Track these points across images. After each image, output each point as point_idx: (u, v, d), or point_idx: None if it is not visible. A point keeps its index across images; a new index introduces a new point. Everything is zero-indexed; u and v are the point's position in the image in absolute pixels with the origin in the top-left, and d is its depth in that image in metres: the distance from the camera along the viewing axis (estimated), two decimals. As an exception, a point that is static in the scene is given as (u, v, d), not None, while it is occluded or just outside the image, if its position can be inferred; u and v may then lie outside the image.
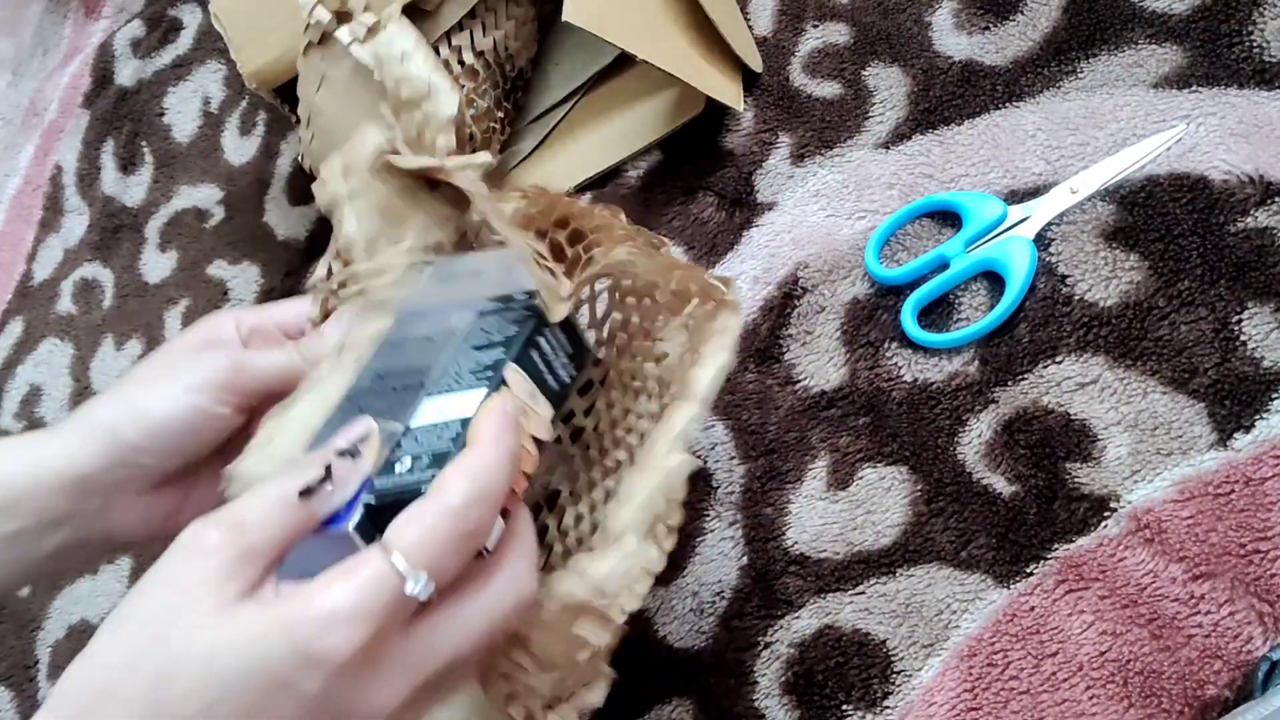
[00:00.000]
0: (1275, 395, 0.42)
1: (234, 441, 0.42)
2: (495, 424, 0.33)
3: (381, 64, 0.54)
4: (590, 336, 0.44)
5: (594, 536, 0.39)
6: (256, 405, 0.41)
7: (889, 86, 0.57)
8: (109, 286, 0.78)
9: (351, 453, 0.33)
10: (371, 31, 0.55)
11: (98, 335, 0.76)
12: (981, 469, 0.46)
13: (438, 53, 0.59)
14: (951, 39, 0.56)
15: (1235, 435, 0.42)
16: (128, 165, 0.82)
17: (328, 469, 0.32)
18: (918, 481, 0.47)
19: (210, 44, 0.83)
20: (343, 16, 0.55)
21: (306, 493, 0.31)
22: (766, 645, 0.46)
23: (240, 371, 0.41)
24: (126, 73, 0.87)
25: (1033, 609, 0.42)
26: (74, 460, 0.40)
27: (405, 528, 0.30)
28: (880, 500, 0.47)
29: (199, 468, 0.42)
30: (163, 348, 0.44)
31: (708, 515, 0.50)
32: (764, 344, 0.53)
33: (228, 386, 0.41)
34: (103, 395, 0.42)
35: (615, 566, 0.34)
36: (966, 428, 0.47)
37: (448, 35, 0.60)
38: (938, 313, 0.50)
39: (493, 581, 0.32)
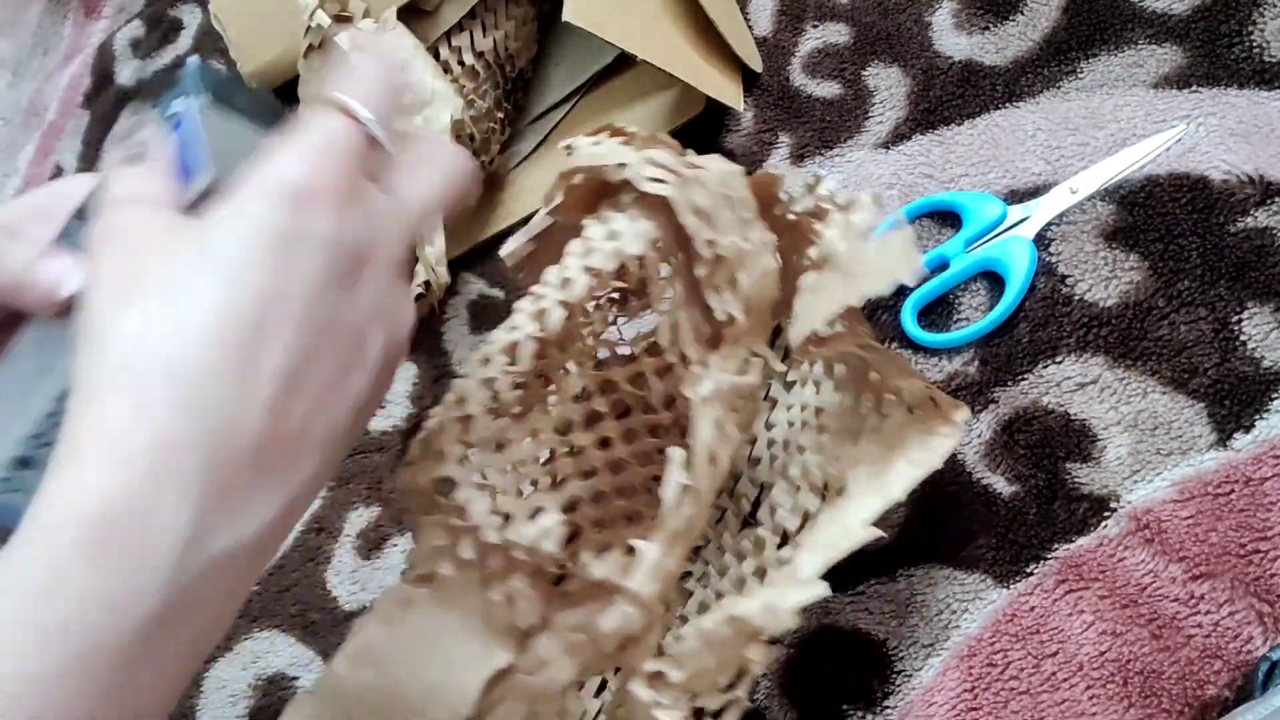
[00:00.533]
0: (1275, 395, 0.42)
1: None
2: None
3: None
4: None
5: (770, 573, 0.41)
6: None
7: (889, 86, 0.57)
8: (109, 286, 0.78)
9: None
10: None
11: (97, 335, 0.76)
12: (981, 469, 0.46)
13: (437, 54, 0.59)
14: (951, 39, 0.56)
15: (1235, 435, 0.42)
16: (128, 165, 0.82)
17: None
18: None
19: (210, 44, 0.83)
20: (342, 20, 0.55)
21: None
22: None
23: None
24: (126, 73, 0.87)
25: (1033, 609, 0.42)
26: None
27: (355, 81, 0.30)
28: (880, 500, 0.47)
29: None
30: None
31: (708, 515, 0.50)
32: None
33: None
34: None
35: (798, 599, 0.36)
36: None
37: (448, 36, 0.60)
38: (937, 313, 0.50)
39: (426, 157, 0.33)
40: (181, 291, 0.26)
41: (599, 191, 0.40)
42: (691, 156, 0.39)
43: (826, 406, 0.46)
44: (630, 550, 0.37)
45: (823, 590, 0.37)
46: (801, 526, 0.44)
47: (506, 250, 0.40)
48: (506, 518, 0.37)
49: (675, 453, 0.39)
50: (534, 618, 0.37)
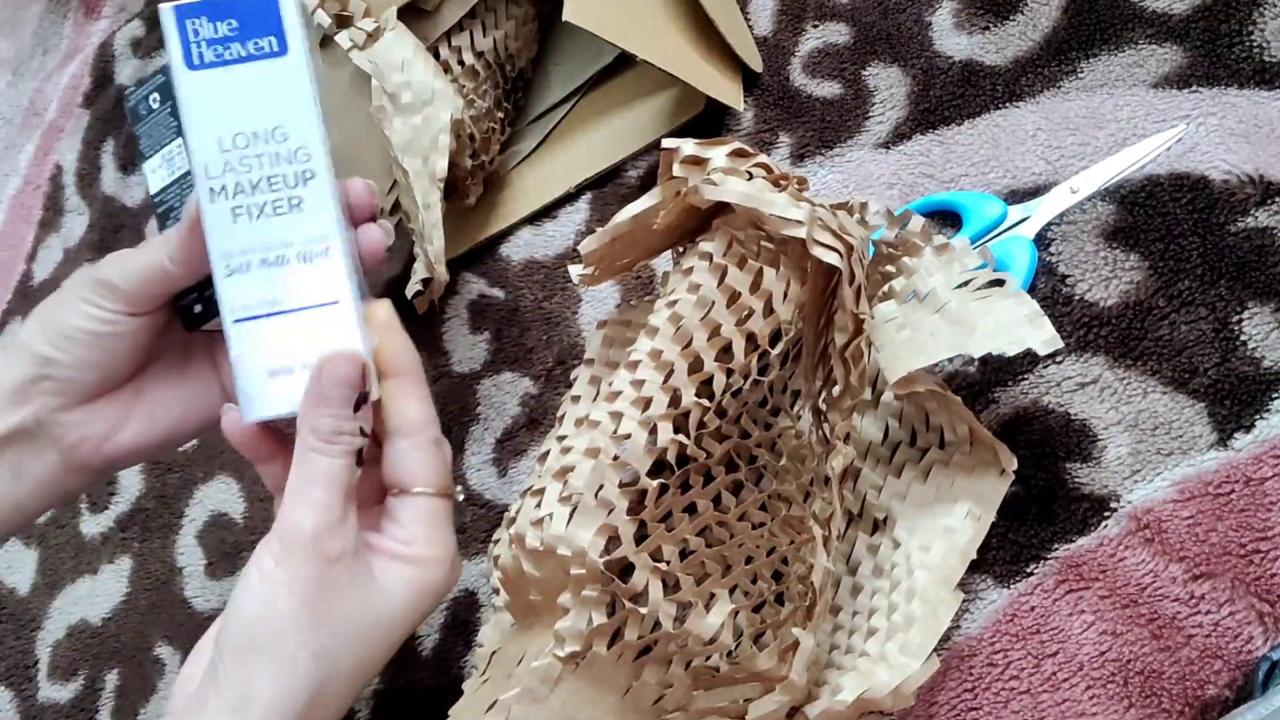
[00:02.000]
0: (1275, 395, 0.42)
1: (185, 355, 0.46)
2: (401, 348, 0.40)
3: (381, 72, 0.55)
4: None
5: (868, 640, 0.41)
6: (149, 304, 0.43)
7: (889, 86, 0.57)
8: (109, 286, 0.78)
9: None
10: (371, 37, 0.55)
11: (97, 335, 0.76)
12: (981, 469, 0.46)
13: (437, 54, 0.59)
14: (951, 39, 0.56)
15: (1235, 435, 0.42)
16: (128, 165, 0.82)
17: None
18: (918, 481, 0.47)
19: (210, 44, 0.83)
20: (343, 20, 0.55)
21: None
22: (766, 645, 0.46)
23: (114, 274, 0.42)
24: (126, 73, 0.87)
25: (1033, 609, 0.42)
26: (4, 376, 0.43)
27: (420, 470, 0.39)
28: (880, 500, 0.47)
29: (139, 381, 0.45)
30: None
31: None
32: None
33: (107, 291, 0.42)
34: (28, 317, 0.44)
35: (917, 679, 0.39)
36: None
37: (448, 36, 0.60)
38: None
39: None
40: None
41: (705, 213, 0.38)
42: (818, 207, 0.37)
43: (859, 432, 0.46)
44: (761, 630, 0.38)
45: (937, 666, 0.39)
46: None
47: (586, 247, 0.39)
48: (684, 606, 0.35)
49: (819, 536, 0.39)
50: (684, 702, 0.36)
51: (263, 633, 0.35)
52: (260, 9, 0.38)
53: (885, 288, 0.42)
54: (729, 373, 0.36)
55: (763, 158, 0.37)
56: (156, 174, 0.47)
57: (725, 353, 0.36)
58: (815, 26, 0.60)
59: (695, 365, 0.36)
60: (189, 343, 0.47)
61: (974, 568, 0.44)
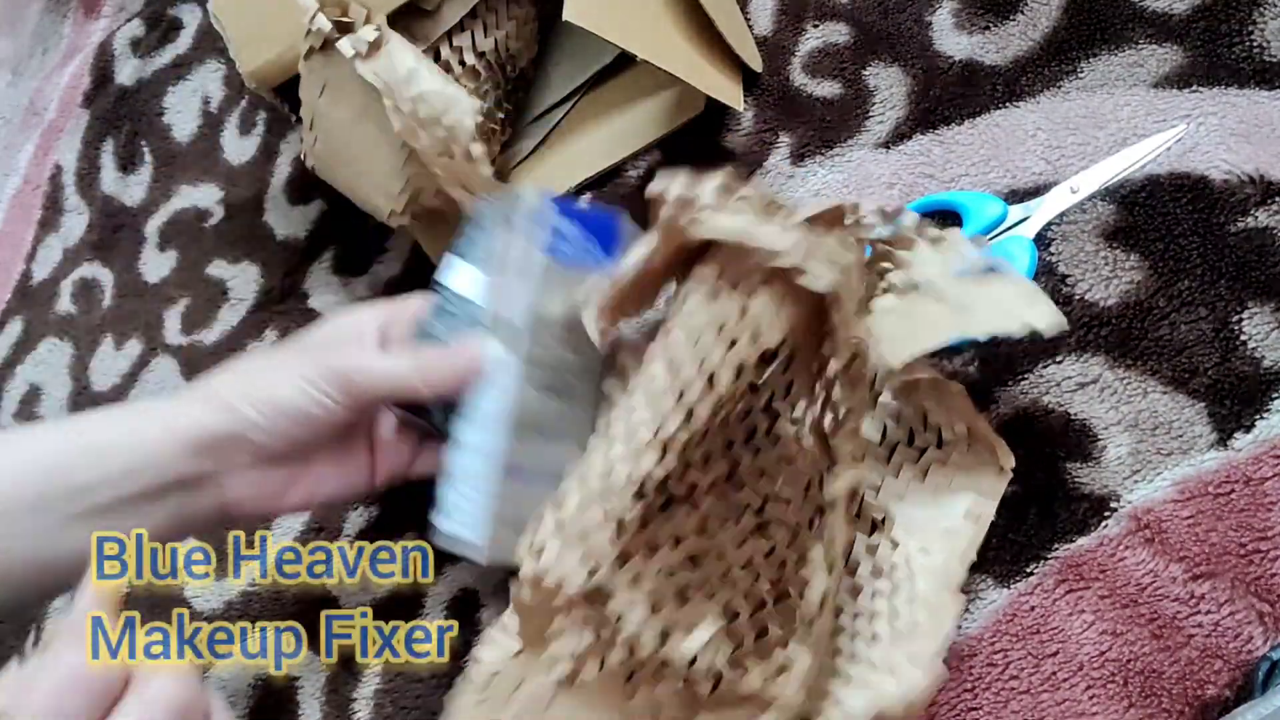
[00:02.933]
0: (1275, 395, 0.42)
1: (349, 434, 0.47)
2: None
3: (390, 88, 0.55)
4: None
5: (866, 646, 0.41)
6: (372, 406, 0.45)
7: (889, 86, 0.57)
8: (108, 286, 0.78)
9: None
10: (374, 46, 0.55)
11: (97, 335, 0.76)
12: (982, 469, 0.46)
13: (438, 54, 0.59)
14: (952, 39, 0.56)
15: (1235, 435, 0.42)
16: (127, 165, 0.82)
17: None
18: (918, 481, 0.47)
19: (210, 43, 0.83)
20: (343, 27, 0.55)
21: None
22: (766, 645, 0.46)
23: (356, 374, 0.44)
24: (126, 72, 0.87)
25: (1033, 609, 0.42)
26: (198, 424, 0.43)
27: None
28: (880, 500, 0.47)
29: (311, 453, 0.46)
30: (296, 337, 0.48)
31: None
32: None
33: (341, 386, 0.44)
34: (224, 372, 0.46)
35: (929, 690, 0.39)
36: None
37: (448, 36, 0.60)
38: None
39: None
40: None
41: (694, 247, 0.38)
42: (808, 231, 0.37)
43: (870, 438, 0.46)
44: (758, 652, 0.38)
45: (946, 675, 0.39)
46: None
47: (600, 305, 0.39)
48: (665, 632, 0.36)
49: (819, 558, 0.39)
50: None
51: None
52: (605, 228, 0.47)
53: (884, 284, 0.42)
54: (714, 401, 0.36)
55: (748, 189, 0.37)
56: (462, 277, 0.49)
57: (711, 382, 0.37)
58: (815, 26, 0.60)
59: (679, 394, 0.36)
60: (355, 421, 0.47)
61: (974, 568, 0.44)
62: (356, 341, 0.47)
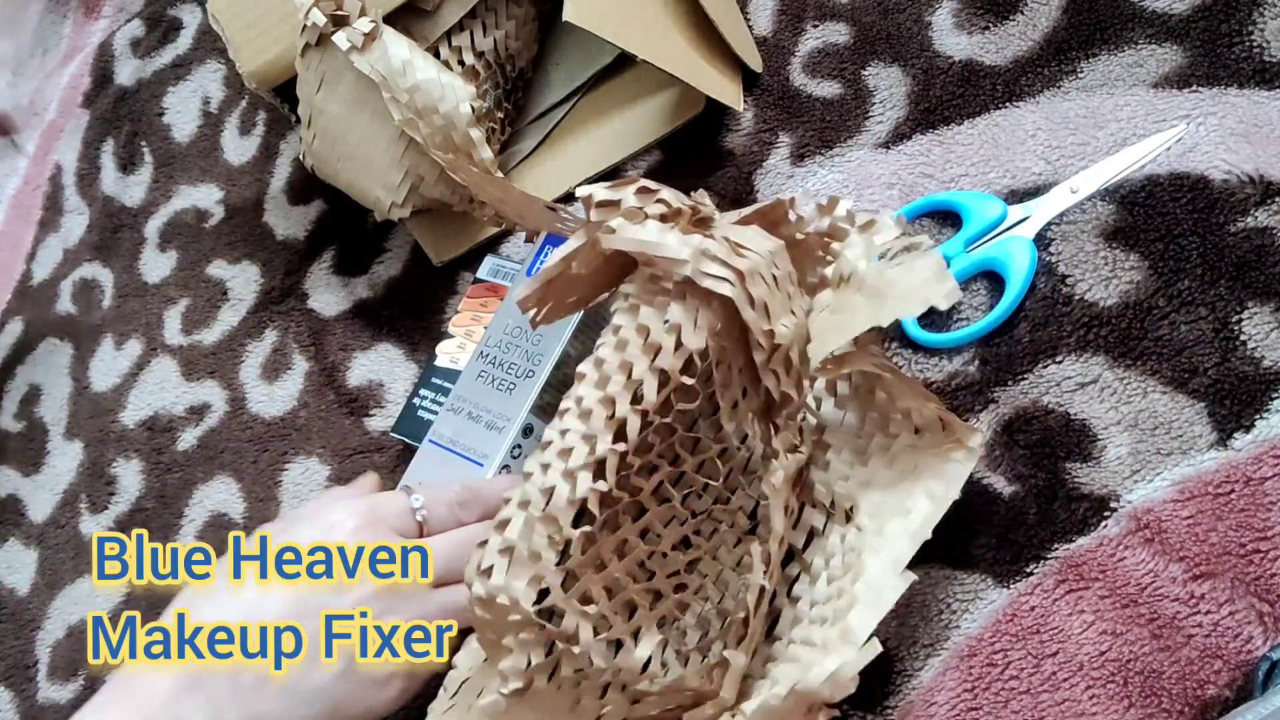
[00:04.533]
0: (1275, 395, 0.42)
1: None
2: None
3: (386, 80, 0.55)
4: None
5: (821, 627, 0.41)
6: None
7: (889, 86, 0.57)
8: (108, 286, 0.78)
9: None
10: (369, 38, 0.55)
11: (97, 335, 0.76)
12: (981, 469, 0.46)
13: (438, 53, 0.59)
14: (951, 39, 0.56)
15: (1235, 435, 0.42)
16: (127, 165, 0.82)
17: None
18: (918, 481, 0.47)
19: (210, 44, 0.83)
20: (339, 20, 0.55)
21: None
22: (766, 645, 0.46)
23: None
24: (126, 72, 0.87)
25: (1033, 609, 0.42)
26: None
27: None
28: (880, 500, 0.47)
29: None
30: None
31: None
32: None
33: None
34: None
35: (859, 665, 0.39)
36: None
37: (448, 35, 0.60)
38: (937, 312, 0.50)
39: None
40: None
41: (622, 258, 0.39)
42: (732, 232, 0.38)
43: (829, 424, 0.46)
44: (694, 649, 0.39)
45: (877, 650, 0.39)
46: (807, 544, 0.45)
47: (522, 293, 0.40)
48: (616, 645, 0.38)
49: (757, 554, 0.40)
50: (622, 715, 0.39)
51: None
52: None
53: (821, 275, 0.43)
54: (643, 414, 0.37)
55: (665, 192, 0.38)
56: (448, 354, 0.59)
57: (639, 394, 0.38)
58: (815, 26, 0.60)
59: (610, 410, 0.37)
60: None
61: (974, 567, 0.44)
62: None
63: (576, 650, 0.36)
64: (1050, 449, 0.45)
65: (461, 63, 0.60)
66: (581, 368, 0.39)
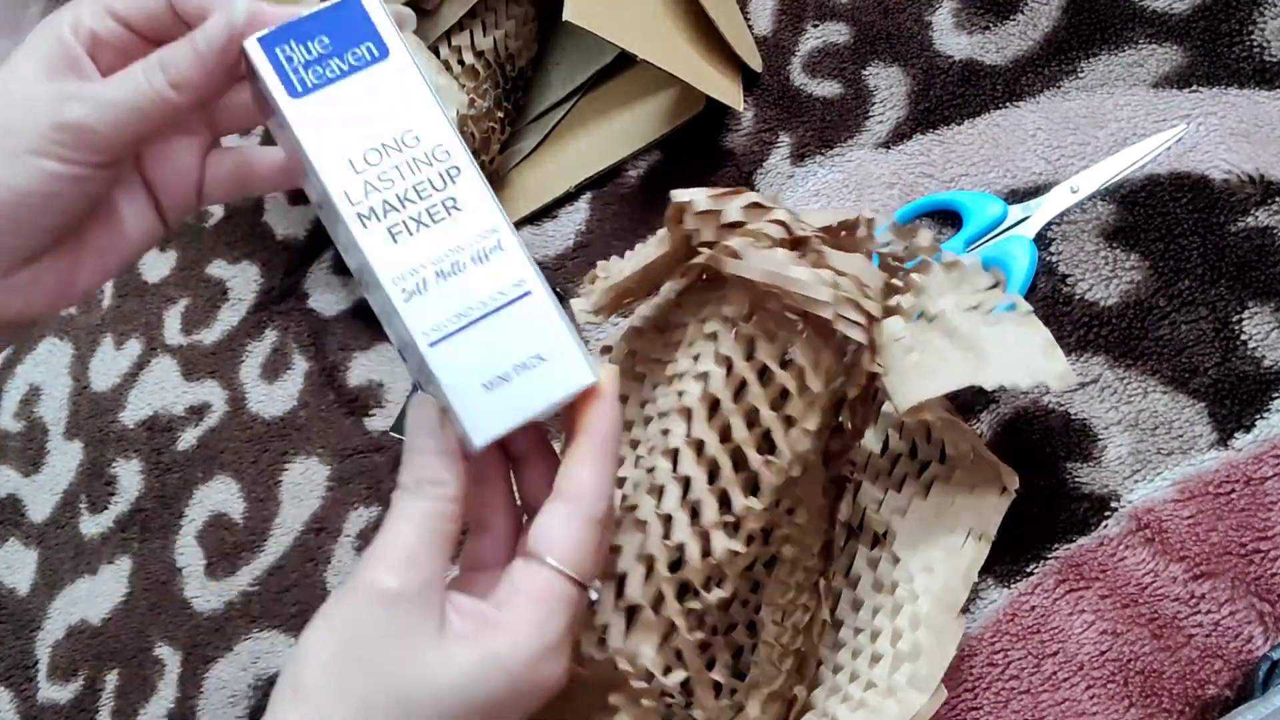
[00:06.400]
0: (1276, 395, 0.42)
1: (114, 198, 0.37)
2: (608, 413, 0.33)
3: None
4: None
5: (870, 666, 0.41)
6: (126, 150, 0.35)
7: (889, 86, 0.57)
8: (108, 285, 0.78)
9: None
10: None
11: (97, 335, 0.76)
12: (982, 469, 0.46)
13: (437, 53, 0.59)
14: (952, 39, 0.56)
15: (1236, 435, 0.42)
16: (127, 165, 0.82)
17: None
18: (918, 481, 0.47)
19: (210, 44, 0.83)
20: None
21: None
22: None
23: (93, 114, 0.33)
24: (126, 72, 0.87)
25: (1033, 608, 0.42)
26: None
27: (563, 542, 0.32)
28: (880, 500, 0.47)
29: (83, 229, 0.36)
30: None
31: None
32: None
33: (82, 138, 0.33)
34: None
35: (928, 711, 0.38)
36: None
37: (448, 35, 0.60)
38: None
39: None
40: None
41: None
42: (839, 261, 0.36)
43: (872, 450, 0.46)
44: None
45: (944, 696, 0.38)
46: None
47: (597, 301, 0.39)
48: (736, 709, 0.37)
49: (821, 587, 0.39)
50: None
51: (302, 674, 0.30)
52: (348, 18, 0.35)
53: (893, 301, 0.42)
54: (770, 464, 0.35)
55: (779, 212, 0.36)
56: None
57: (766, 440, 0.35)
58: (815, 26, 0.60)
59: (739, 460, 0.35)
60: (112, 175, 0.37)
61: (974, 567, 0.44)
62: (71, 66, 0.35)
63: (699, 717, 0.35)
64: (1050, 449, 0.45)
65: (461, 62, 0.60)
66: (688, 401, 0.36)
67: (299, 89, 0.34)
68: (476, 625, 0.31)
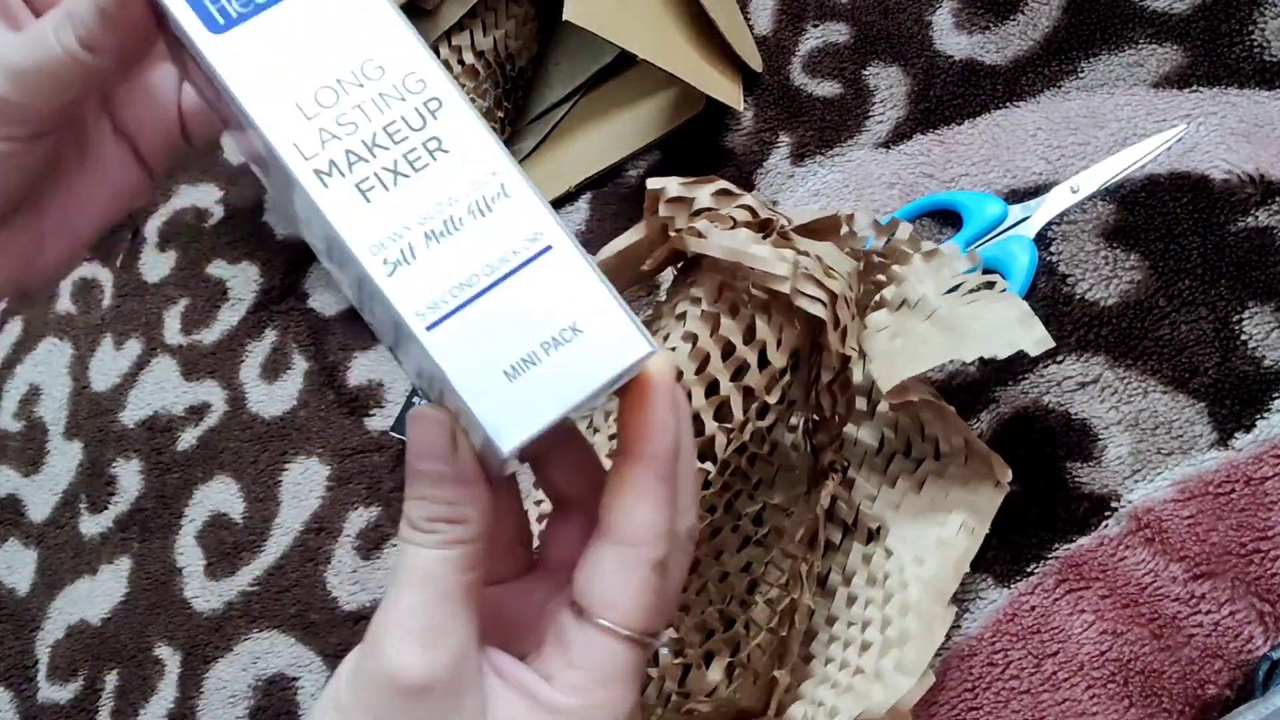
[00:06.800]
0: (1275, 395, 0.42)
1: (74, 157, 0.32)
2: (667, 419, 0.25)
3: None
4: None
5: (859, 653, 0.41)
6: (60, 122, 0.30)
7: (889, 86, 0.57)
8: (108, 286, 0.78)
9: None
10: None
11: (97, 335, 0.76)
12: (982, 469, 0.46)
13: (437, 53, 0.59)
14: (952, 38, 0.56)
15: (1236, 435, 0.42)
16: (127, 165, 0.82)
17: None
18: (918, 481, 0.46)
19: (210, 43, 0.83)
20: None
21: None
22: (767, 645, 0.46)
23: (4, 94, 0.28)
24: (126, 72, 0.87)
25: (1033, 608, 0.42)
26: None
27: (625, 601, 0.25)
28: (880, 500, 0.47)
29: (40, 199, 0.32)
30: None
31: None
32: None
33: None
34: None
35: (914, 695, 0.39)
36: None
37: (448, 35, 0.60)
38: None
39: None
40: None
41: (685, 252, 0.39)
42: (813, 247, 0.37)
43: (867, 447, 0.46)
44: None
45: (932, 681, 0.39)
46: (822, 558, 0.45)
47: None
48: (685, 668, 0.38)
49: (804, 573, 0.39)
50: None
51: None
52: None
53: (877, 296, 0.42)
54: (728, 431, 0.36)
55: (747, 198, 0.37)
56: None
57: (723, 409, 0.36)
58: (815, 26, 0.60)
59: (697, 427, 0.35)
60: (74, 116, 0.32)
61: (974, 567, 0.44)
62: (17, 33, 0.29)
63: (654, 673, 0.35)
64: (1050, 449, 0.45)
65: (461, 62, 0.60)
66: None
67: (220, 21, 0.27)
68: (529, 705, 0.25)
